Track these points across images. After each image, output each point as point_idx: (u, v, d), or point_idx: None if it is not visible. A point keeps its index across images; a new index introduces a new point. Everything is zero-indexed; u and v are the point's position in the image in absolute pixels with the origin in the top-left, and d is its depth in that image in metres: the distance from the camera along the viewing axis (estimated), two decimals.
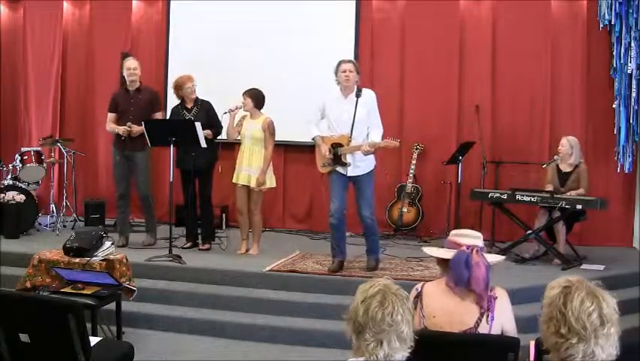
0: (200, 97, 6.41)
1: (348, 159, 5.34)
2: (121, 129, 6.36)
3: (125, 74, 6.49)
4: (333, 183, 5.44)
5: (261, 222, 6.31)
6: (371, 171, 5.47)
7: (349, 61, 5.43)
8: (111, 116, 6.55)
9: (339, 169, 5.39)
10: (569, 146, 6.32)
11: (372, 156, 5.43)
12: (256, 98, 6.08)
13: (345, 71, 5.29)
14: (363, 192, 5.42)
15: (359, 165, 5.37)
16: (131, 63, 6.49)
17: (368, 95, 5.41)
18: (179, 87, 6.33)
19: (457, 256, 2.76)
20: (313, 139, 5.58)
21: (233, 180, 6.13)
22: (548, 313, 1.94)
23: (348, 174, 5.39)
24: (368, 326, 1.96)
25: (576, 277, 1.98)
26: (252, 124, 6.08)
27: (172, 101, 7.48)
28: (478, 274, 2.70)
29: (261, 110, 6.14)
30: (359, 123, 5.28)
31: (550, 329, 1.92)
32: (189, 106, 6.36)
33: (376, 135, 5.36)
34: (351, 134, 5.28)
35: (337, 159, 5.36)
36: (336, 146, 5.37)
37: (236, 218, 6.44)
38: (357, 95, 5.30)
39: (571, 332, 1.87)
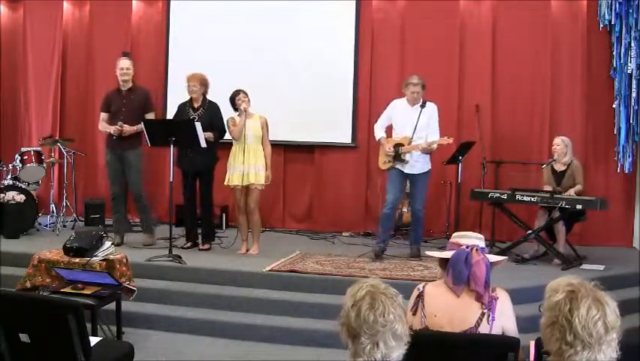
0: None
1: (407, 157, 6.04)
2: (112, 129, 6.36)
3: (117, 73, 6.47)
4: (392, 178, 6.20)
5: (260, 221, 6.30)
6: (426, 171, 6.22)
7: (418, 83, 6.12)
8: (104, 115, 6.55)
9: (398, 166, 6.12)
10: (563, 145, 6.36)
11: (428, 159, 6.19)
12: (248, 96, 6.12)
13: (414, 93, 6.11)
14: (417, 189, 6.22)
15: (415, 164, 6.11)
16: (123, 63, 6.47)
17: (431, 107, 6.19)
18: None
19: (456, 253, 2.76)
20: (379, 140, 6.29)
21: (236, 182, 6.03)
22: (552, 317, 1.91)
23: (405, 171, 6.13)
24: (362, 329, 1.95)
25: (578, 280, 1.95)
26: (250, 123, 6.06)
27: (172, 100, 7.52)
28: (477, 272, 2.71)
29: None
30: (420, 129, 6.05)
31: (554, 335, 1.90)
32: (196, 106, 6.34)
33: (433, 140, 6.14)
34: (412, 136, 6.01)
35: (397, 157, 6.07)
36: (397, 146, 6.08)
37: (237, 219, 6.37)
38: (422, 106, 6.12)
39: (577, 339, 1.85)
